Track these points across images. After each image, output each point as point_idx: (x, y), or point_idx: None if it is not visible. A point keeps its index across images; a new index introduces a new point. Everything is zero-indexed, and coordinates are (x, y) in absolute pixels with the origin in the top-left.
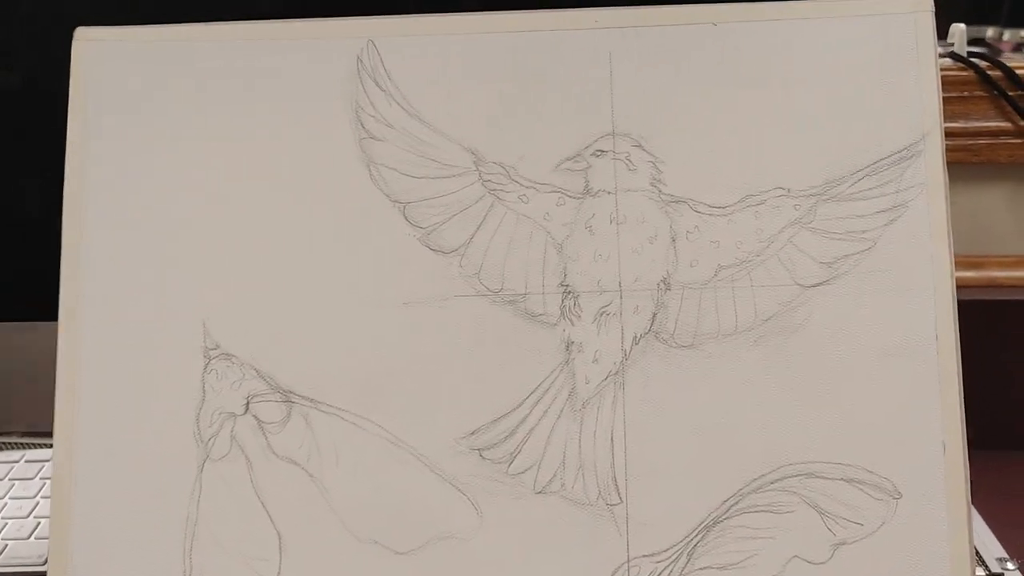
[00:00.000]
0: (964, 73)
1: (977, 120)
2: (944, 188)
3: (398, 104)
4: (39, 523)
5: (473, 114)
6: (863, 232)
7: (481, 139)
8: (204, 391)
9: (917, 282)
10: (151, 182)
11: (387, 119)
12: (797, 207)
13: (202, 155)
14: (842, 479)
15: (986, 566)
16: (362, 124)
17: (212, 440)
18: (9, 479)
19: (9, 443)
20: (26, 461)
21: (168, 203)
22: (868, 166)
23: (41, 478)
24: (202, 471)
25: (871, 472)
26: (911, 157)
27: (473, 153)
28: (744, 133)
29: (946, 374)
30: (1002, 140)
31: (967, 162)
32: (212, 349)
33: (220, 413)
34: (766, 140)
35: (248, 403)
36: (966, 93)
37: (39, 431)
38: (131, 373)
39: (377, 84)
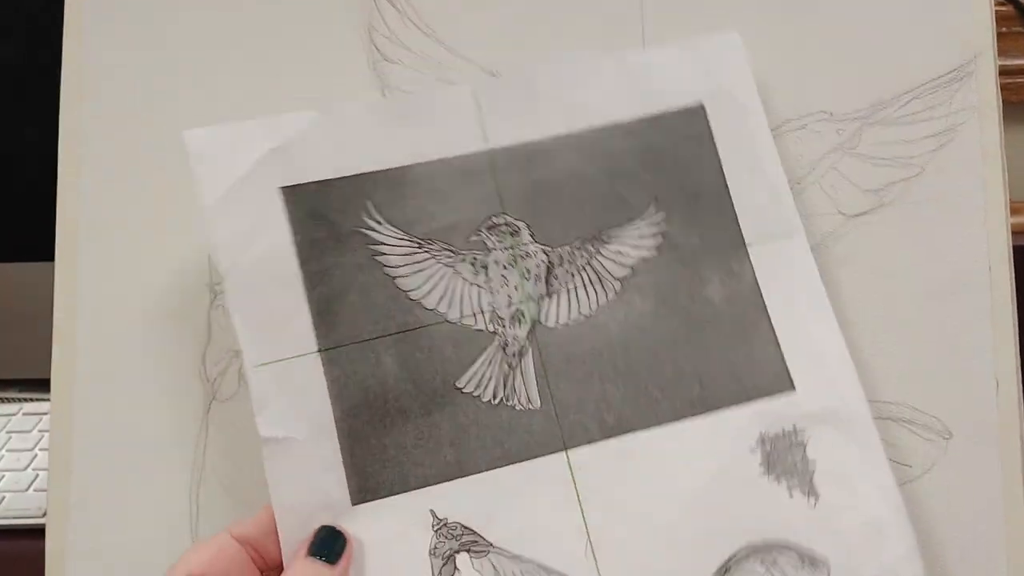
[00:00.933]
0: (1003, 8)
1: (1017, 57)
2: (997, 111)
3: (413, 24)
4: (37, 475)
5: (493, 34)
6: (911, 158)
7: (501, 60)
8: (210, 329)
9: (968, 210)
10: (153, 112)
11: (402, 40)
12: (840, 131)
13: (210, 80)
14: (890, 419)
15: None
16: (376, 46)
17: (219, 380)
18: (6, 432)
19: (6, 397)
20: (23, 414)
21: (172, 134)
22: (916, 88)
23: (39, 431)
24: (208, 412)
25: (920, 411)
26: (962, 79)
27: (492, 75)
28: (784, 53)
29: (999, 308)
30: None
31: (1007, 101)
32: (218, 284)
33: (227, 352)
34: (808, 61)
35: None
36: (1004, 29)
37: (36, 378)
38: (132, 313)
39: (391, 3)
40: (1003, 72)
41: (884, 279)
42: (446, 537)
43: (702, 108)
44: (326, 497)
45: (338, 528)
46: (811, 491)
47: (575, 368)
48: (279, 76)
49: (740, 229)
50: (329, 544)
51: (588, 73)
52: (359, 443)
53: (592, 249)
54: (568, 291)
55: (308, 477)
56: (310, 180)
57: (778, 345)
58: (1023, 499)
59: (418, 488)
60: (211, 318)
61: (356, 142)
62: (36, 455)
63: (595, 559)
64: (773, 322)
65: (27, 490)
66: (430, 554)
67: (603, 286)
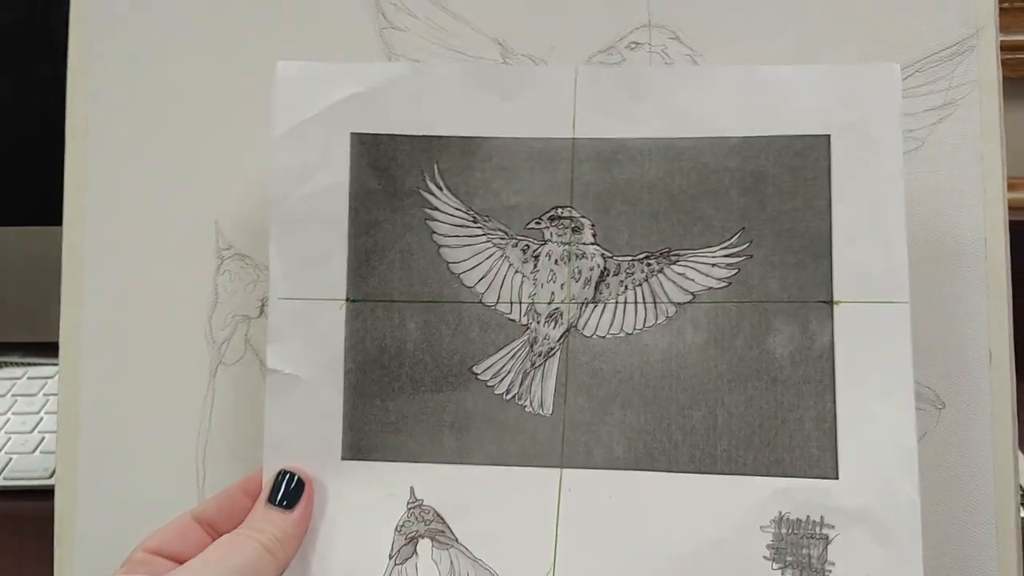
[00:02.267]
0: None
1: (1017, 33)
2: (998, 85)
3: None
4: (43, 438)
5: (501, 2)
6: (911, 131)
7: (509, 29)
8: (217, 293)
9: (966, 183)
10: (159, 76)
11: (409, 8)
12: None
13: (216, 43)
14: None
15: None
16: (383, 13)
17: (225, 344)
18: (12, 395)
19: (11, 361)
20: (28, 378)
21: (178, 97)
22: (918, 62)
23: (44, 394)
24: (215, 377)
25: (914, 381)
26: (963, 52)
27: (500, 44)
28: (787, 25)
29: (994, 280)
30: None
31: (1006, 78)
32: (225, 250)
33: (234, 316)
34: (810, 33)
35: (263, 305)
36: (1005, 4)
37: (41, 341)
38: (139, 277)
39: None
40: (1003, 48)
41: None
42: (416, 518)
43: (827, 140)
44: (318, 443)
45: (296, 472)
46: None
47: (599, 385)
48: (285, 40)
49: (832, 283)
50: (288, 489)
51: (705, 79)
52: (363, 400)
53: (655, 265)
54: (616, 304)
55: (304, 419)
56: (383, 131)
57: (835, 425)
58: (1014, 470)
59: (406, 461)
60: (218, 282)
61: (439, 102)
62: (42, 418)
63: None
64: (837, 397)
65: (33, 452)
66: (395, 530)
67: (656, 307)
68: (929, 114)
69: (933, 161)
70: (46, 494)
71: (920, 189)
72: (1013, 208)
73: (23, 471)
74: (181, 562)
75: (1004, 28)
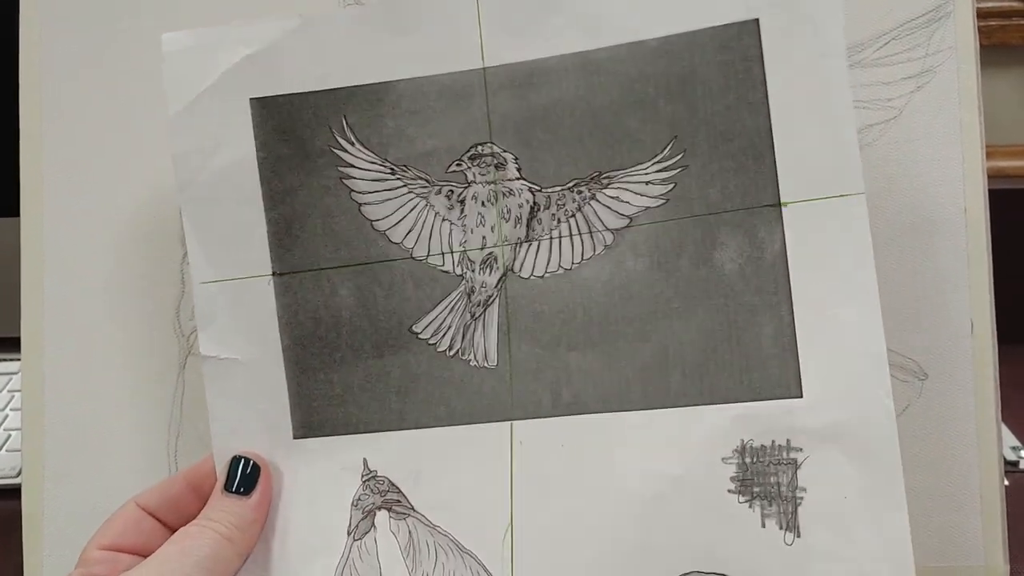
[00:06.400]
0: None
1: (988, 0)
2: (975, 52)
3: None
4: (9, 435)
5: None
6: (888, 100)
7: None
8: (184, 283)
9: (945, 152)
10: (115, 61)
11: None
12: None
13: (172, 27)
14: None
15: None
16: None
17: (194, 334)
18: None
19: None
20: None
21: (134, 81)
22: (894, 29)
23: (9, 391)
24: (184, 368)
25: (896, 353)
26: (940, 19)
27: None
28: None
29: (975, 250)
30: (1015, 22)
31: (979, 45)
32: None
33: None
34: None
35: None
36: None
37: (4, 337)
38: (101, 269)
39: None
40: (977, 15)
41: None
42: (372, 491)
43: (756, 24)
44: (267, 425)
45: (251, 457)
46: (791, 526)
47: (543, 329)
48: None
49: (778, 184)
50: (244, 475)
51: None
52: (306, 375)
53: (587, 193)
54: (551, 239)
55: (250, 402)
56: (283, 92)
57: (794, 338)
58: (997, 439)
59: (357, 433)
60: (184, 271)
61: (337, 53)
62: (7, 415)
63: (512, 550)
64: (795, 306)
65: None
66: (352, 505)
67: (592, 237)
68: (906, 82)
69: (911, 130)
70: (14, 492)
71: (898, 159)
72: (991, 176)
73: None
74: (139, 554)
75: None
